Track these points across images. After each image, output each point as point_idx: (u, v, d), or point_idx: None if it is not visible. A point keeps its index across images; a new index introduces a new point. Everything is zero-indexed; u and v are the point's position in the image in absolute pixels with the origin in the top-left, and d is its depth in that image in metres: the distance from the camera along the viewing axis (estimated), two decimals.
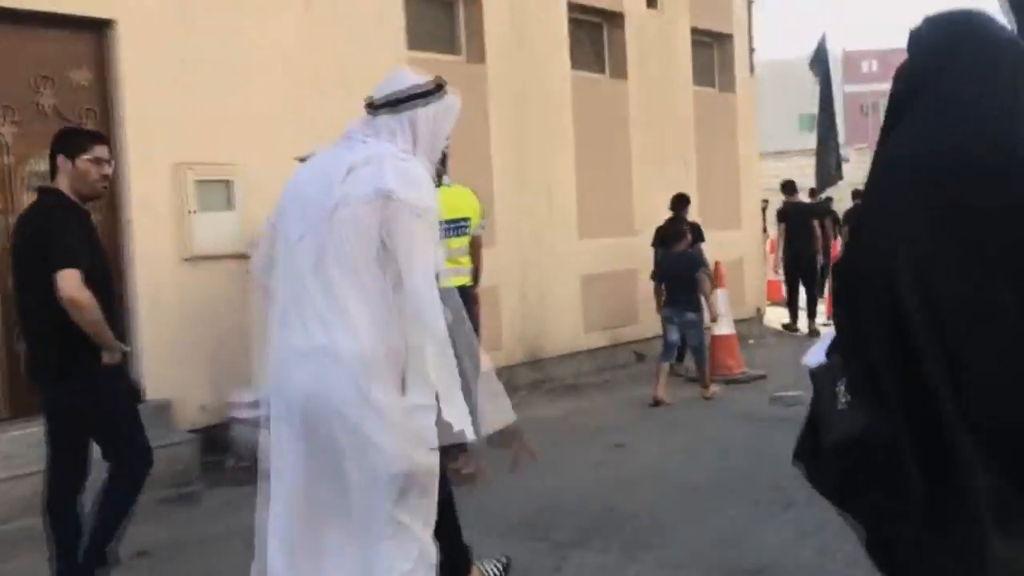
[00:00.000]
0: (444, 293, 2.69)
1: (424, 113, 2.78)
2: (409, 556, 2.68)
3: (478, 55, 8.45)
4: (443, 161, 3.36)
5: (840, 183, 17.27)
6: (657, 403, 7.76)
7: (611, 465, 6.09)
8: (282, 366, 2.76)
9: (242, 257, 5.89)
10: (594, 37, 9.92)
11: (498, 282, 8.29)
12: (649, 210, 9.86)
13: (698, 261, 8.26)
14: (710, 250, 9.23)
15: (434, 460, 2.74)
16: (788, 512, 4.76)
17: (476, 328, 5.39)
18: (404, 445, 2.66)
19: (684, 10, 10.65)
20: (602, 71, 9.96)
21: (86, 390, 3.80)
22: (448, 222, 6.16)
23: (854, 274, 1.98)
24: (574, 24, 9.39)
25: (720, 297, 9.01)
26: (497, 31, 8.53)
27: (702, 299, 7.97)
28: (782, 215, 12.70)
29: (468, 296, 6.17)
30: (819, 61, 16.96)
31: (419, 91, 2.79)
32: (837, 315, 2.09)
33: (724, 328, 9.07)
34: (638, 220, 9.82)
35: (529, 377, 8.67)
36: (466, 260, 6.26)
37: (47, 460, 4.00)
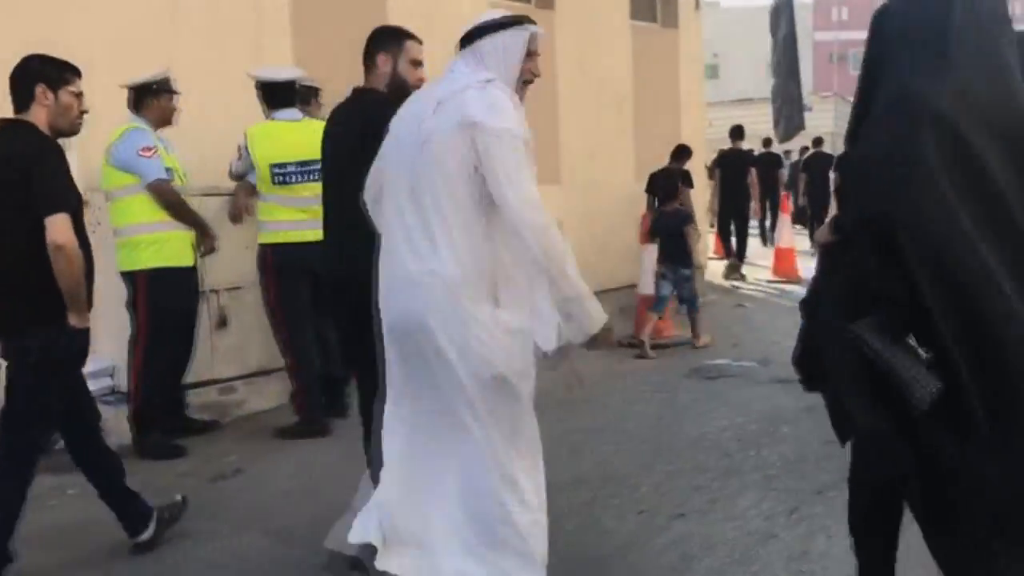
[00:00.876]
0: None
1: (492, 44, 2.94)
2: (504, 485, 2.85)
3: None
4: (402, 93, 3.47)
5: (802, 132, 17.15)
6: (637, 345, 7.69)
7: None
8: (387, 293, 2.97)
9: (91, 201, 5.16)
10: None
11: None
12: (576, 157, 8.98)
13: (688, 217, 8.31)
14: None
15: (529, 371, 2.93)
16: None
17: None
18: (499, 354, 2.84)
19: None
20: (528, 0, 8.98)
21: (50, 343, 3.49)
22: (297, 164, 5.29)
23: (888, 221, 2.12)
24: None
25: (649, 253, 8.25)
26: None
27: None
28: (718, 162, 12.25)
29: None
30: (783, 7, 16.42)
31: (489, 24, 2.98)
32: (851, 270, 2.27)
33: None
34: (565, 167, 8.95)
35: None
36: None
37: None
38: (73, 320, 3.45)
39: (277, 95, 5.34)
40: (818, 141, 16.81)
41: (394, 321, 2.94)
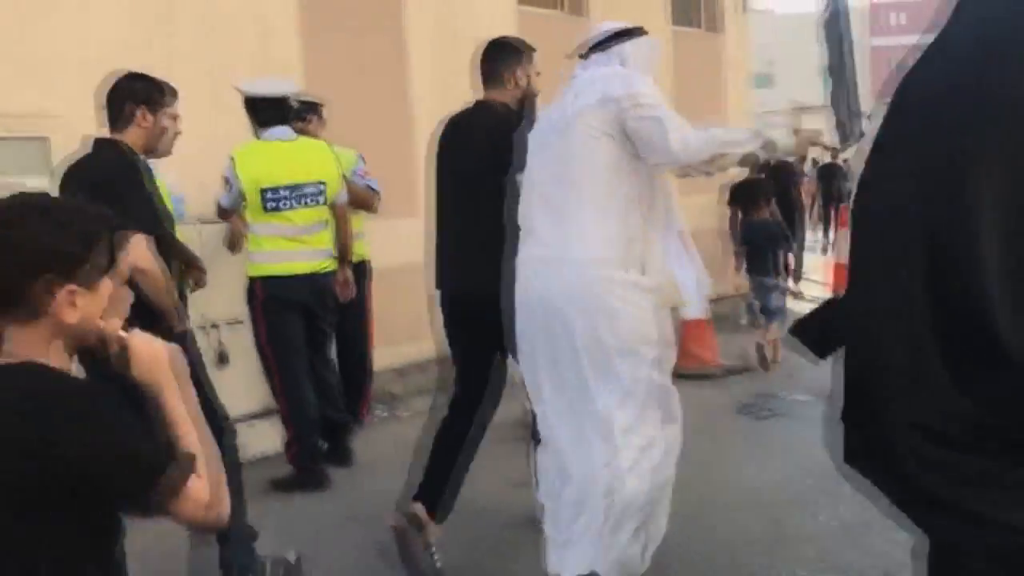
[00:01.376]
0: None
1: (634, 47, 3.21)
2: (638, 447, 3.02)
3: None
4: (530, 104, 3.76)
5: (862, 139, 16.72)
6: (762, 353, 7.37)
7: None
8: (525, 275, 3.12)
9: None
10: None
11: (424, 256, 6.90)
12: None
13: (780, 231, 8.17)
14: (692, 219, 7.79)
15: (669, 337, 3.14)
16: None
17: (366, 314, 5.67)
18: (643, 319, 3.01)
19: None
20: (559, 6, 8.43)
21: None
22: (289, 188, 4.77)
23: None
24: None
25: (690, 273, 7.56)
26: None
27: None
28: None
29: (362, 272, 5.41)
30: (835, 12, 16.02)
31: (622, 31, 3.23)
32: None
33: (695, 312, 7.59)
34: None
35: None
36: (324, 238, 4.84)
37: None
38: (177, 328, 3.34)
39: (266, 112, 4.83)
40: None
41: (534, 302, 3.09)
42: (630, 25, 3.29)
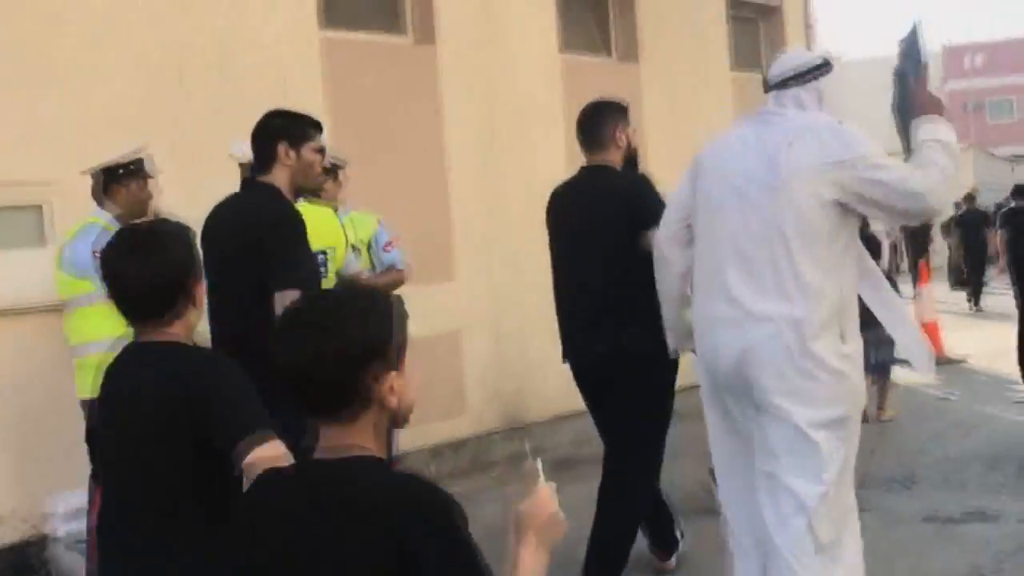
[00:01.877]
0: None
1: (827, 82, 3.10)
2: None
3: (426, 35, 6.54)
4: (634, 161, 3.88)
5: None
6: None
7: None
8: (709, 335, 3.02)
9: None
10: (596, 8, 7.90)
11: (461, 324, 6.41)
12: None
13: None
14: None
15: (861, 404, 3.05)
16: None
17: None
18: (839, 389, 2.89)
19: None
20: (607, 52, 7.93)
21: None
22: None
23: None
24: None
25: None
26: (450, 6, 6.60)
27: None
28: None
29: None
30: (907, 54, 15.28)
31: (820, 63, 3.11)
32: None
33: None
34: None
35: (507, 449, 6.61)
36: None
37: None
38: None
39: None
40: (970, 197, 16.43)
41: (718, 363, 2.98)
42: (827, 56, 3.18)
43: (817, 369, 2.84)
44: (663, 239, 3.26)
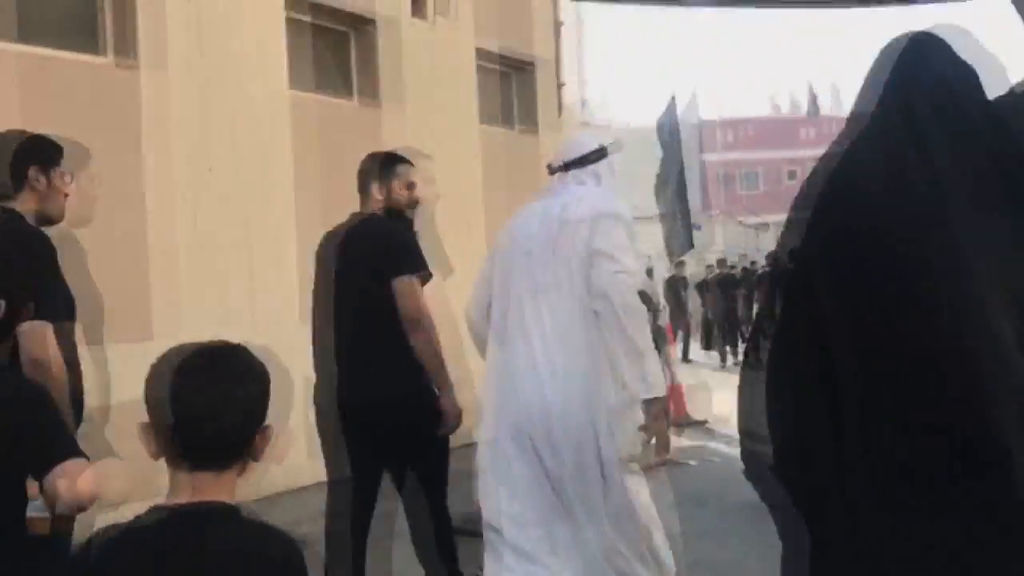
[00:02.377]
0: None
1: (607, 166, 3.53)
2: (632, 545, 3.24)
3: None
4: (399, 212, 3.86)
5: (691, 252, 16.88)
6: None
7: None
8: (506, 385, 3.29)
9: None
10: (336, 48, 7.42)
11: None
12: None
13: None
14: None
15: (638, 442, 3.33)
16: None
17: None
18: (628, 434, 3.23)
19: (467, 25, 8.24)
20: (347, 94, 7.46)
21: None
22: None
23: None
24: (297, 28, 6.85)
25: None
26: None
27: None
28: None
29: None
30: (667, 127, 16.12)
31: (599, 150, 3.54)
32: None
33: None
34: None
35: None
36: None
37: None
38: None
39: None
40: (722, 262, 17.91)
41: (516, 414, 3.21)
42: (605, 143, 3.56)
43: (609, 415, 3.21)
44: (475, 320, 3.55)
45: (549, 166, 3.55)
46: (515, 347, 3.28)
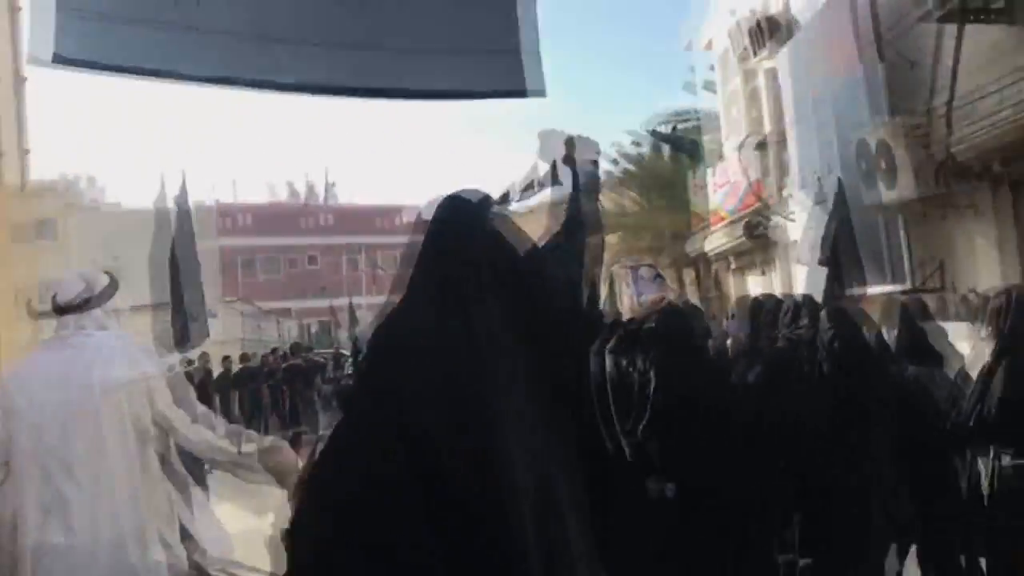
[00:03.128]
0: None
1: (99, 313, 3.14)
2: None
3: None
4: None
5: (209, 341, 13.74)
6: None
7: None
8: (40, 563, 2.84)
9: None
10: None
11: None
12: None
13: None
14: None
15: None
16: None
17: None
18: None
19: None
20: None
21: None
22: None
23: None
24: None
25: None
26: None
27: None
28: None
29: None
30: (177, 207, 12.44)
31: (93, 295, 3.13)
32: None
33: None
34: None
35: None
36: None
37: None
38: None
39: None
40: (244, 357, 16.90)
41: None
42: (93, 277, 3.16)
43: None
44: None
45: (57, 306, 3.04)
46: (48, 517, 2.85)
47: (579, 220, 2.47)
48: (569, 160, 2.68)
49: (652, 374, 3.98)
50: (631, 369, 4.11)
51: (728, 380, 4.16)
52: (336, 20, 5.62)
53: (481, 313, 2.15)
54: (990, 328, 3.63)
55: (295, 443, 6.66)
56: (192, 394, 3.13)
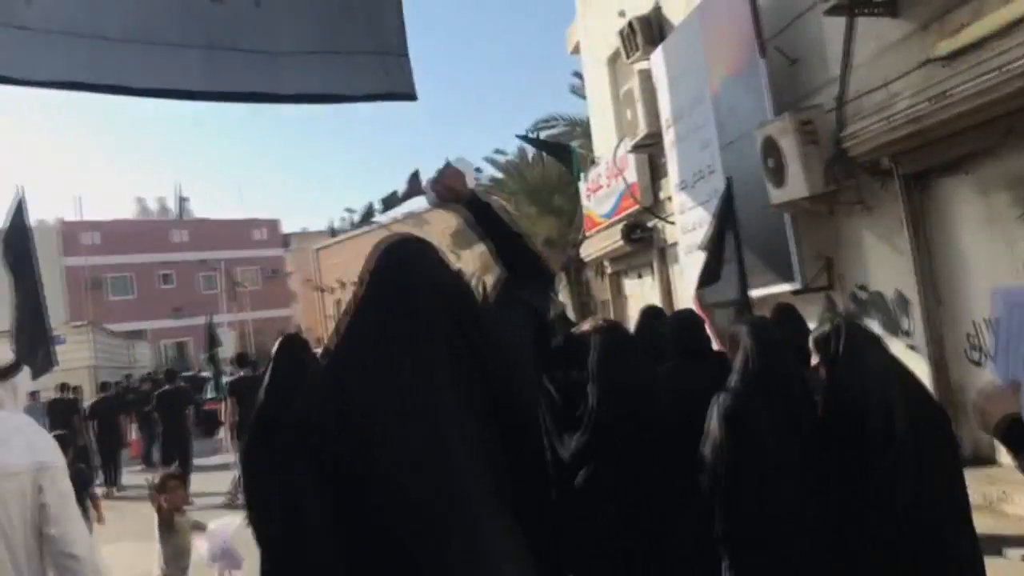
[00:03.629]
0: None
1: (21, 378, 3.19)
2: None
3: None
4: None
5: (57, 369, 14.99)
6: None
7: None
8: None
9: None
10: None
11: None
12: None
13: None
14: None
15: None
16: None
17: None
18: None
19: None
20: None
21: None
22: None
23: None
24: None
25: None
26: None
27: None
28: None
29: None
30: (18, 229, 14.85)
31: (15, 365, 3.16)
32: None
33: None
34: None
35: None
36: None
37: None
38: None
39: None
40: (64, 387, 16.22)
41: None
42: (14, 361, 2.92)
43: None
44: None
45: None
46: None
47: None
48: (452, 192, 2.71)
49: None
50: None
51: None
52: (189, 21, 5.33)
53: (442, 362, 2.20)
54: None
55: (162, 488, 5.89)
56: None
